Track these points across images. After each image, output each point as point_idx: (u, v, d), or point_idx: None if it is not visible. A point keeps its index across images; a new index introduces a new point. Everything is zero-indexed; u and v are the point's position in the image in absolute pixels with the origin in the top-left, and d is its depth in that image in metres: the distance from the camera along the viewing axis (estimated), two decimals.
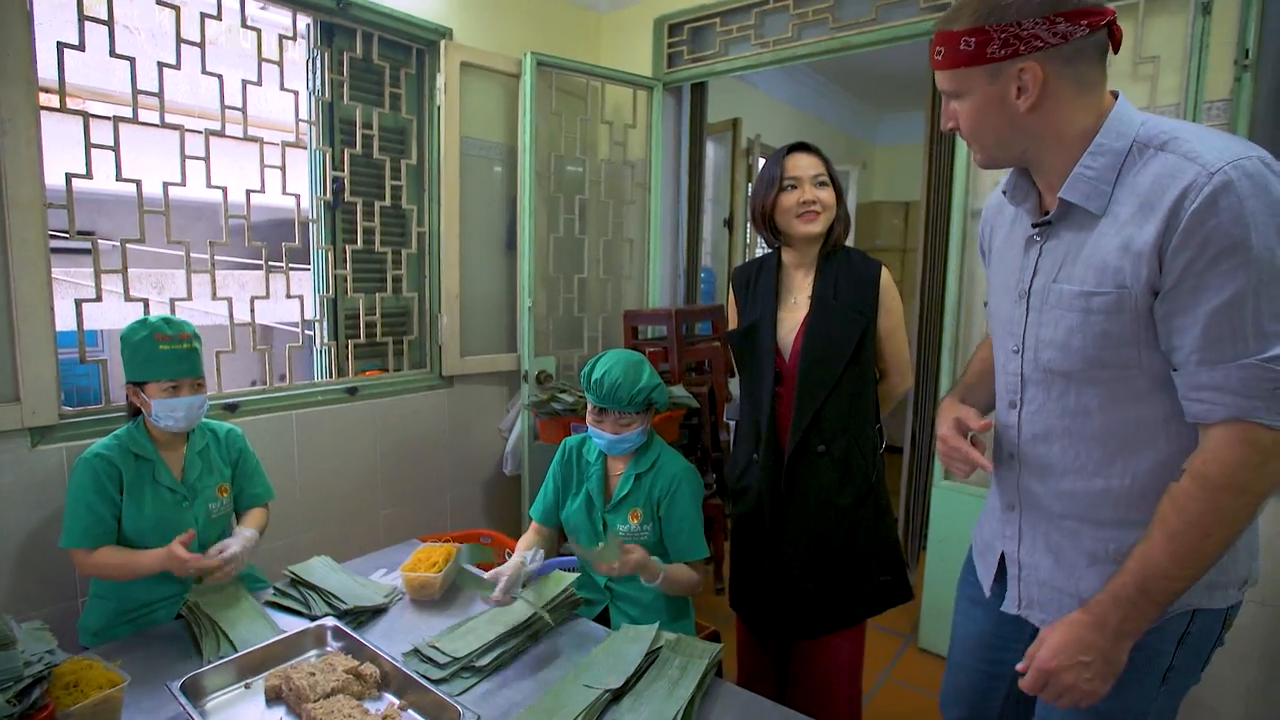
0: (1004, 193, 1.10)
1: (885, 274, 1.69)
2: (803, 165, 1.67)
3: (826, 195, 1.66)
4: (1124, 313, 0.90)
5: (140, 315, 1.67)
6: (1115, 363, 0.93)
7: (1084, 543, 1.02)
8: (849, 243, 1.77)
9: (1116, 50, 0.93)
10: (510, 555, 1.66)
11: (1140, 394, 0.94)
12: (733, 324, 1.86)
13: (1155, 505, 0.93)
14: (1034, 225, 1.02)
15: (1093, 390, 0.96)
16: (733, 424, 2.85)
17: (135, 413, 1.65)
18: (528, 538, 1.78)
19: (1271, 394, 0.83)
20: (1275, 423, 0.83)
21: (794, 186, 1.66)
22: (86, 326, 1.93)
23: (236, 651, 1.35)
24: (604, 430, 1.62)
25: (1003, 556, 1.15)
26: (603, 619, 1.71)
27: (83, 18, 1.85)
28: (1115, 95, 0.95)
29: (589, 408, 1.65)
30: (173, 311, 1.90)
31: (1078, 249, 0.95)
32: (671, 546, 1.65)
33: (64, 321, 1.86)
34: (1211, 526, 0.87)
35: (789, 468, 1.66)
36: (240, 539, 1.60)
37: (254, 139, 2.23)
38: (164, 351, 1.56)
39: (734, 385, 2.67)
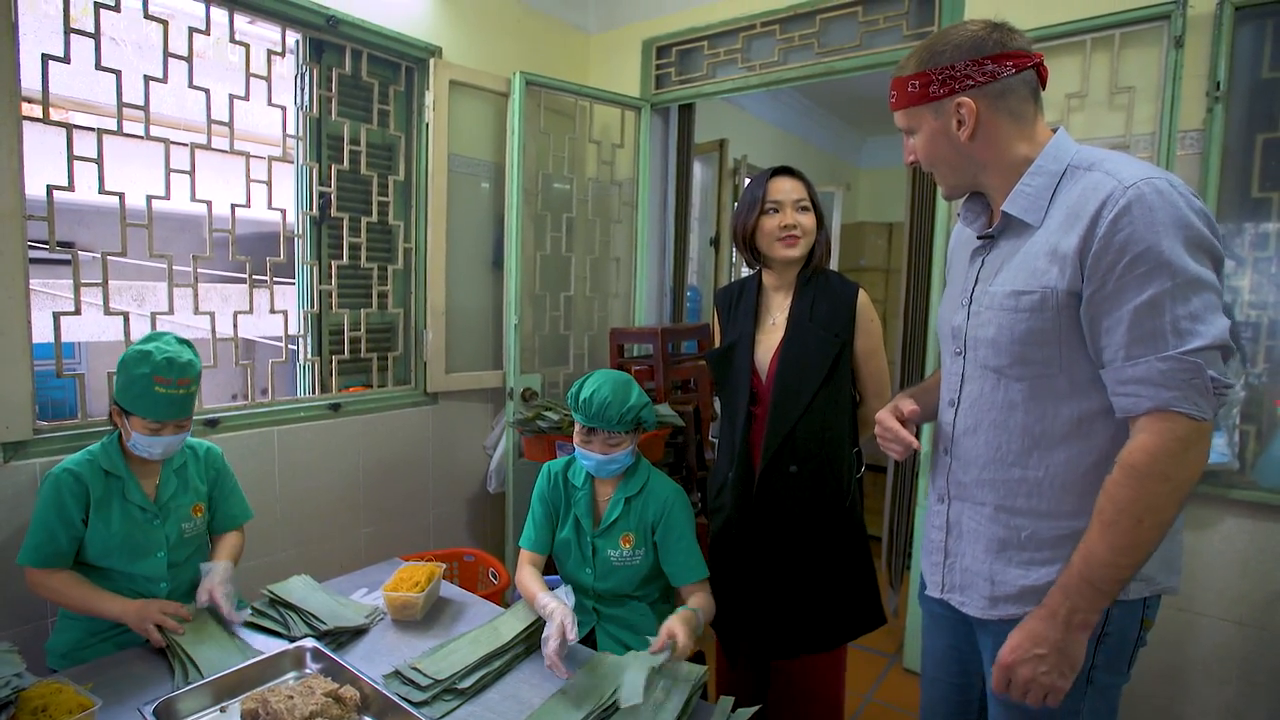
0: (958, 214, 1.24)
1: (863, 296, 1.71)
2: (785, 189, 1.69)
3: (807, 220, 1.68)
4: (1047, 311, 1.01)
5: (148, 332, 1.64)
6: (1038, 359, 1.03)
7: (998, 530, 1.11)
8: (834, 263, 1.79)
9: (1044, 87, 1.08)
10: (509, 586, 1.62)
11: (1060, 393, 1.04)
12: (716, 344, 1.87)
13: (1066, 497, 1.04)
14: (979, 237, 1.15)
15: (1019, 386, 1.07)
16: (717, 442, 2.84)
17: (116, 426, 1.62)
18: (529, 573, 1.66)
19: (1189, 384, 0.91)
20: (1193, 412, 0.91)
21: (776, 210, 1.68)
22: (64, 338, 1.89)
23: (204, 677, 1.32)
24: (592, 450, 1.62)
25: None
26: (589, 640, 1.69)
27: (69, 30, 1.85)
28: (1055, 130, 1.08)
29: (576, 428, 1.65)
30: (154, 326, 1.87)
31: (1012, 256, 1.07)
32: (673, 571, 1.63)
33: (41, 334, 1.82)
34: (1142, 513, 0.93)
35: (760, 486, 1.67)
36: (215, 574, 1.58)
37: (240, 153, 2.22)
38: (158, 394, 1.51)
39: (719, 404, 2.67)
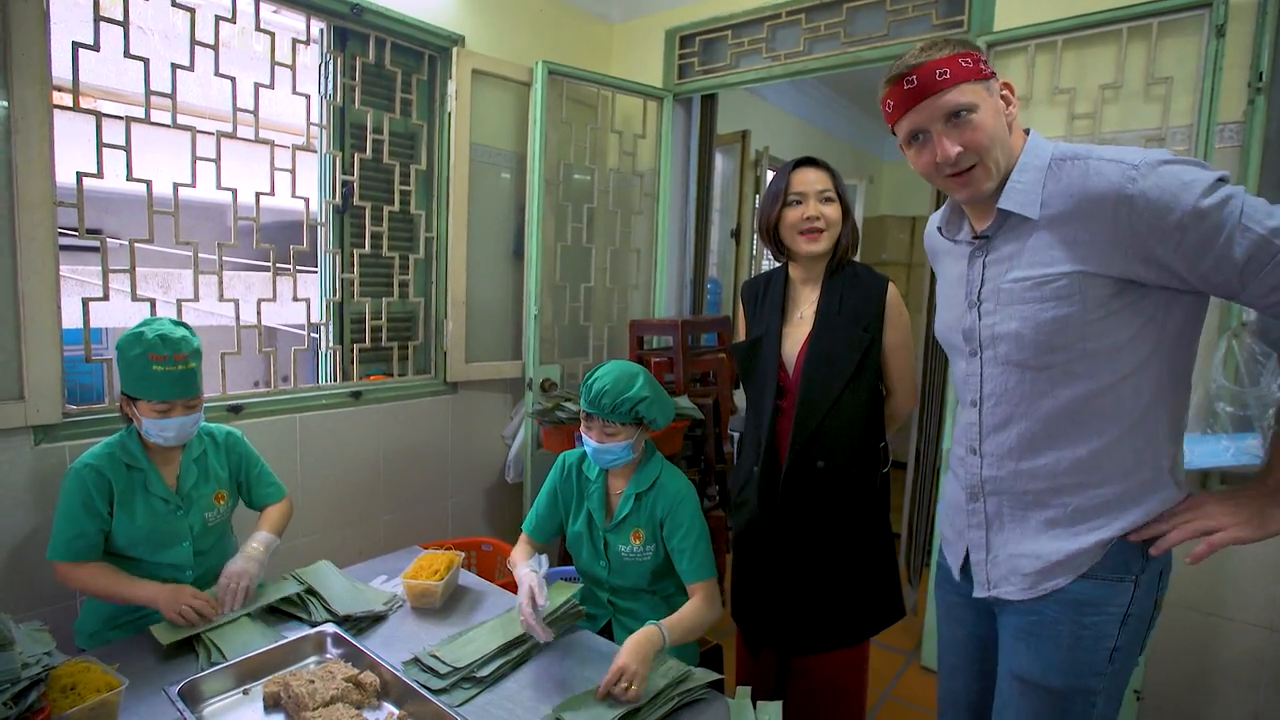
0: (939, 229, 1.24)
1: (892, 289, 1.68)
2: (809, 180, 1.65)
3: (832, 211, 1.65)
4: (1074, 296, 1.01)
5: (145, 316, 1.64)
6: (1061, 345, 1.04)
7: (1045, 512, 1.11)
8: (856, 256, 1.76)
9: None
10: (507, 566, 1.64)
11: (1084, 374, 1.04)
12: (741, 337, 1.85)
13: (1106, 469, 1.05)
14: (975, 238, 1.14)
15: (1044, 375, 1.07)
16: (736, 435, 2.82)
17: (129, 418, 1.63)
18: (520, 550, 1.72)
19: None
20: None
21: (799, 202, 1.65)
22: (92, 324, 1.92)
23: (227, 660, 1.33)
24: (590, 437, 1.61)
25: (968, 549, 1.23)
26: (606, 631, 1.69)
27: (98, 18, 1.86)
28: (1027, 132, 1.11)
29: (581, 412, 1.64)
30: (179, 313, 1.88)
31: (1022, 249, 1.07)
32: (680, 568, 1.62)
33: (70, 319, 1.85)
34: None
35: (786, 482, 1.64)
36: (245, 558, 1.59)
37: (265, 141, 2.23)
38: (157, 373, 1.48)
39: (739, 397, 2.65)
